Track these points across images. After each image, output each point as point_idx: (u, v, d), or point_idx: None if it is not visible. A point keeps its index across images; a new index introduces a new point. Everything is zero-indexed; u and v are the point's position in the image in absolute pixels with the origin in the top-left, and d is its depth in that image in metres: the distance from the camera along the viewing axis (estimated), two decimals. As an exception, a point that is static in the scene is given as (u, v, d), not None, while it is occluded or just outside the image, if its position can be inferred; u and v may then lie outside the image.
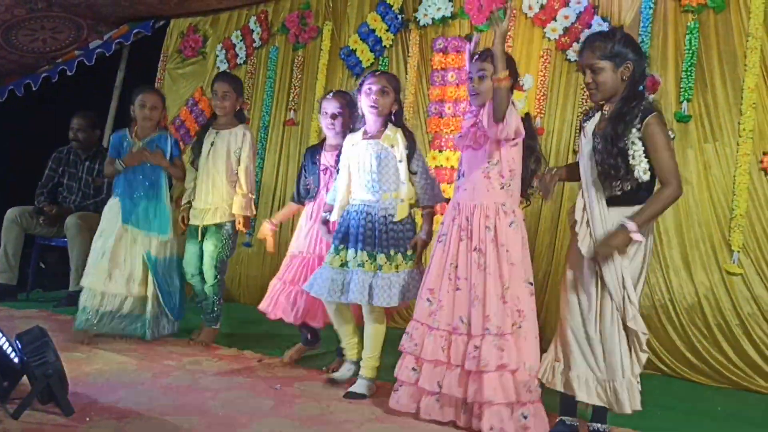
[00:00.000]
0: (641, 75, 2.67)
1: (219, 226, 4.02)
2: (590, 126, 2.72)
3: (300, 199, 3.84)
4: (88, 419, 2.59)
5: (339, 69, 5.55)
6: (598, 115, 2.72)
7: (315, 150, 3.83)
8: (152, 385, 3.13)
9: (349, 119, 3.59)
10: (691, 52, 4.18)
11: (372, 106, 3.23)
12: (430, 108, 5.05)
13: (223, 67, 6.14)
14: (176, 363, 3.56)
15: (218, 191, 4.02)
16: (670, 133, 2.67)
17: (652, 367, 4.00)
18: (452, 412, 2.82)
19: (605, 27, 4.42)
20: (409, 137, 3.28)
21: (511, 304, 2.77)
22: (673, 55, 4.24)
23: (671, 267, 4.11)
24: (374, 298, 3.11)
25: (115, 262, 4.00)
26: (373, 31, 5.35)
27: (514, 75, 2.89)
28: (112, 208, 4.14)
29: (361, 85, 3.31)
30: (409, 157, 3.24)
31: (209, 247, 4.03)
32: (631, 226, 2.52)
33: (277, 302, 3.66)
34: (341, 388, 3.25)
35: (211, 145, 4.03)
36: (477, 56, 2.95)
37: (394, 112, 3.30)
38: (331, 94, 3.72)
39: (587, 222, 2.65)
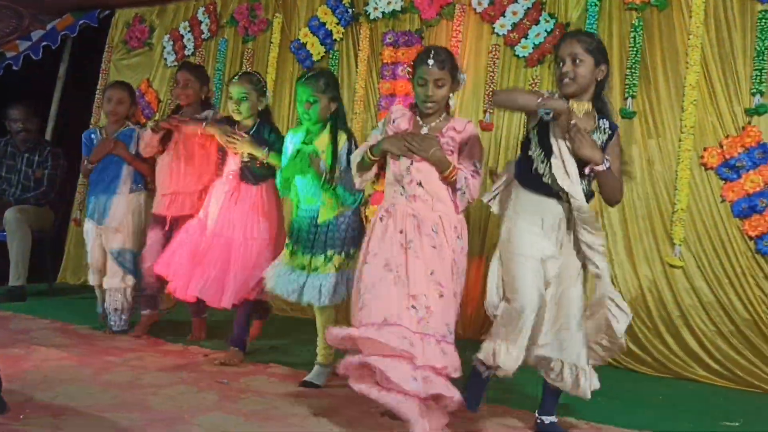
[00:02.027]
0: (603, 86, 2.70)
1: None
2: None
3: None
4: (22, 417, 2.50)
5: (289, 62, 5.50)
6: None
7: None
8: (92, 381, 3.04)
9: (257, 102, 3.60)
10: (635, 49, 4.26)
11: (303, 116, 3.23)
12: (380, 102, 5.04)
13: (171, 58, 6.02)
14: (118, 359, 3.47)
15: None
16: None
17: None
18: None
19: (552, 24, 4.50)
20: (334, 145, 3.22)
21: None
22: (618, 53, 4.31)
23: (616, 260, 4.18)
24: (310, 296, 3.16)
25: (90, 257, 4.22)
26: (324, 24, 5.32)
27: (455, 75, 2.87)
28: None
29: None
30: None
31: None
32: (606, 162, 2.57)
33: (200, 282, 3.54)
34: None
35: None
36: (432, 62, 2.81)
37: (333, 111, 3.26)
38: (237, 77, 3.63)
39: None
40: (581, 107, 2.67)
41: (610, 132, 2.66)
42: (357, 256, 3.05)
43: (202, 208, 3.71)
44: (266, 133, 3.62)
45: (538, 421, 2.78)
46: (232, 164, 3.64)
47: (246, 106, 3.58)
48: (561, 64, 2.67)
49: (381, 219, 2.84)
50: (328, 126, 3.25)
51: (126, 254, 4.13)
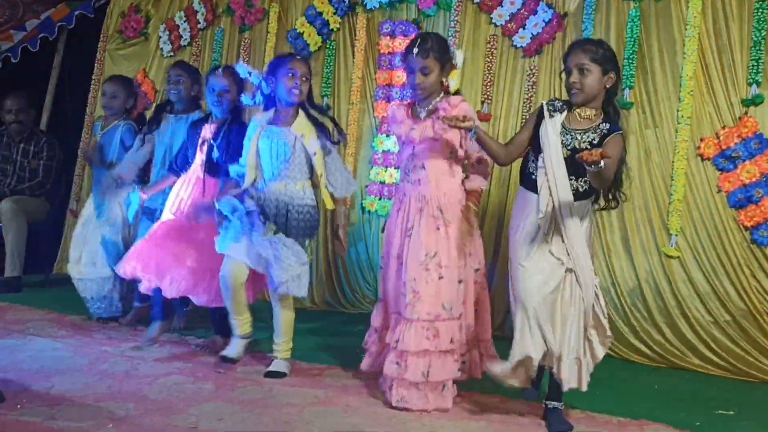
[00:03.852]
0: (615, 92, 2.78)
1: None
2: (558, 119, 2.75)
3: (176, 169, 3.76)
4: (18, 406, 2.51)
5: (286, 52, 5.46)
6: (565, 113, 2.77)
7: (199, 125, 3.73)
8: (88, 371, 3.05)
9: (237, 96, 3.57)
10: (632, 39, 4.25)
11: (293, 91, 3.19)
12: (377, 92, 5.02)
13: (167, 48, 5.98)
14: (115, 349, 3.48)
15: None
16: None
17: (593, 349, 4.08)
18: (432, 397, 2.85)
19: (550, 14, 4.47)
20: (321, 128, 3.24)
21: None
22: (616, 43, 4.29)
23: (613, 251, 4.19)
24: (289, 288, 3.10)
25: (83, 247, 4.21)
26: (321, 14, 5.29)
27: (446, 58, 2.96)
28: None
29: (277, 65, 3.24)
30: (325, 149, 3.24)
31: None
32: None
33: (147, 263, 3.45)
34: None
35: None
36: (417, 52, 2.92)
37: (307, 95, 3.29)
38: (219, 70, 3.61)
39: (552, 209, 2.70)
40: (584, 113, 2.74)
41: (605, 133, 2.70)
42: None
43: (170, 204, 3.64)
44: (234, 135, 3.53)
45: (544, 406, 2.82)
46: (198, 157, 3.62)
47: (227, 99, 3.56)
48: (568, 74, 2.72)
49: (398, 211, 3.02)
50: (301, 111, 3.26)
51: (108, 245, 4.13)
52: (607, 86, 2.72)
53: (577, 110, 2.76)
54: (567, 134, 2.74)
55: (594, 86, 2.70)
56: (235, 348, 3.34)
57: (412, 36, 4.79)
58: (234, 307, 3.27)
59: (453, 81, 3.02)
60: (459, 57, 3.01)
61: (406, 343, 2.80)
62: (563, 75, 2.78)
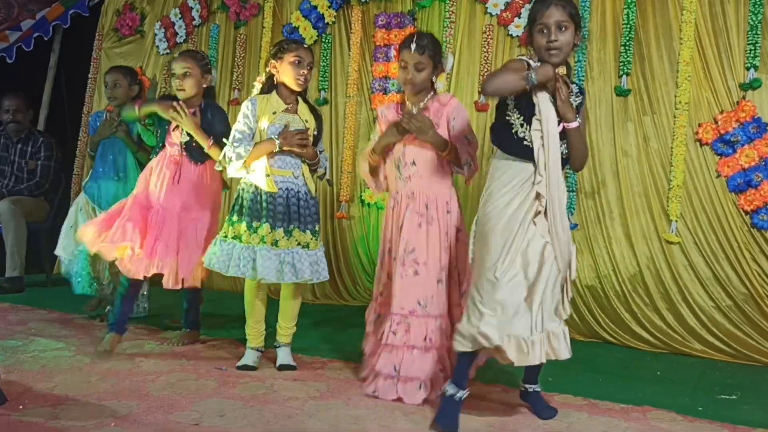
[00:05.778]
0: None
1: None
2: (543, 95, 2.53)
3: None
4: (21, 407, 2.51)
5: (282, 47, 5.45)
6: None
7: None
8: (90, 370, 3.05)
9: (201, 78, 3.53)
10: (629, 26, 4.23)
11: (299, 80, 3.17)
12: (373, 84, 5.01)
13: (163, 46, 5.98)
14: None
15: None
16: None
17: (596, 336, 4.09)
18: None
19: (546, 2, 4.44)
20: (318, 117, 3.31)
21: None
22: (612, 30, 4.29)
23: (613, 238, 4.19)
24: (306, 273, 3.11)
25: None
26: (315, 7, 5.27)
27: (438, 59, 2.98)
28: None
29: (285, 49, 3.19)
30: (317, 138, 3.28)
31: None
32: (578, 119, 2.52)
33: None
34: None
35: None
36: (414, 47, 2.92)
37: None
38: (179, 54, 3.62)
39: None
40: (560, 72, 2.54)
41: (581, 96, 2.63)
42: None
43: (142, 185, 3.54)
44: (210, 115, 3.54)
45: (522, 389, 2.79)
46: (174, 141, 3.55)
47: (190, 82, 3.47)
48: (546, 31, 2.49)
49: (392, 209, 3.03)
50: (300, 98, 3.27)
51: None
52: (577, 43, 2.55)
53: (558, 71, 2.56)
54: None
55: (570, 44, 2.52)
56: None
57: (409, 28, 4.84)
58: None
59: (440, 83, 3.09)
60: (449, 61, 3.05)
61: (384, 336, 2.88)
62: (534, 33, 2.52)
